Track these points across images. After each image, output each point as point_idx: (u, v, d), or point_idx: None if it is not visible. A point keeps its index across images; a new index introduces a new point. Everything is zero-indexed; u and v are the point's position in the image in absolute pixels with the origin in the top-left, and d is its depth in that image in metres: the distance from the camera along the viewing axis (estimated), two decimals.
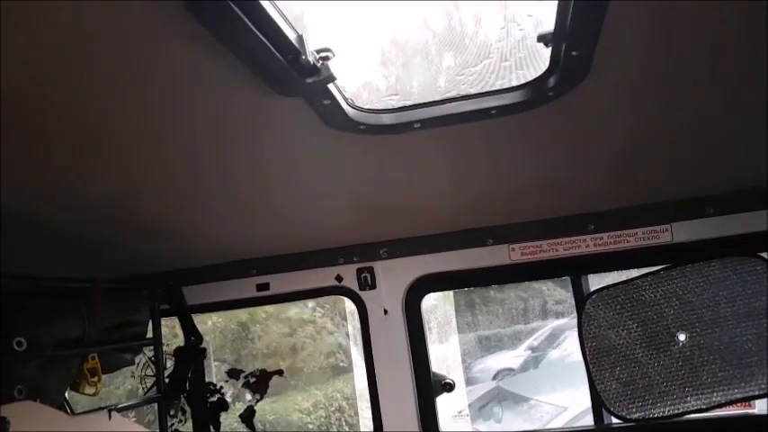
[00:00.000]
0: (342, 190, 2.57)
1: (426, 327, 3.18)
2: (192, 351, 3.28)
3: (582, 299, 2.98)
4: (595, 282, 3.09)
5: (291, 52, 1.60)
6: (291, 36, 1.57)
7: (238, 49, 1.50)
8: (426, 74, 2.03)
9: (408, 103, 2.17)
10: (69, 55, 1.41)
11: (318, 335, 11.24)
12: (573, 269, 3.02)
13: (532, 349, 13.05)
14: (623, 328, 2.89)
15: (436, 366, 3.20)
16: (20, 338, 2.22)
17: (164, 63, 1.53)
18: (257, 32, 1.45)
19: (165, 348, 3.22)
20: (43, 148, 1.81)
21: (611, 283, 2.95)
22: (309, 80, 1.72)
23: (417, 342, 3.13)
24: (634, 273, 2.98)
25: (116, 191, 2.21)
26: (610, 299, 2.91)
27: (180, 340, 3.35)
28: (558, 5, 1.59)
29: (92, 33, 1.36)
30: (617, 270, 3.07)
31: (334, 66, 1.72)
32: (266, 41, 1.49)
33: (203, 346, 3.36)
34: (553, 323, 12.84)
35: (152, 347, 3.14)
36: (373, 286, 3.14)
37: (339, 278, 3.17)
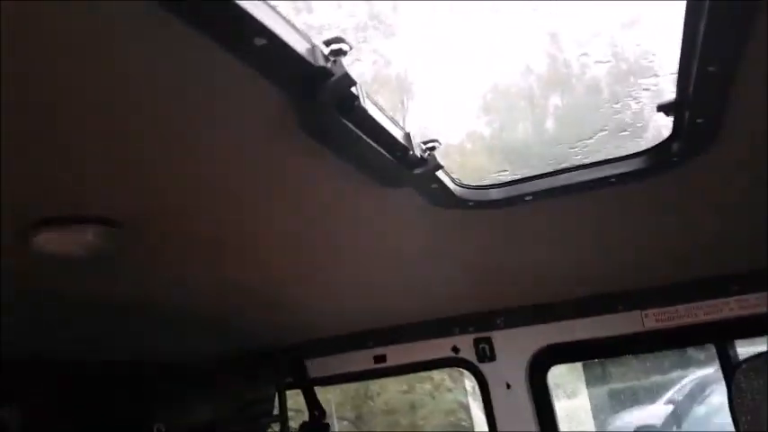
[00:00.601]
0: (453, 262, 2.54)
1: (554, 402, 2.99)
2: (318, 426, 3.32)
3: (731, 369, 2.67)
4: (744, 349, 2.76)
5: (399, 150, 1.63)
6: (399, 135, 1.60)
7: (349, 156, 1.55)
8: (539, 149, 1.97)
9: (518, 176, 2.13)
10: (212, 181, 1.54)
11: (437, 391, 11.01)
12: (716, 335, 2.72)
13: (674, 403, 11.86)
14: None
15: (565, 425, 2.98)
16: (159, 425, 2.36)
17: (280, 175, 1.63)
18: (368, 139, 1.49)
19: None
20: (188, 249, 2.00)
21: (763, 350, 2.61)
22: (417, 171, 1.74)
23: (546, 420, 2.94)
24: None
25: (252, 278, 2.35)
26: (763, 367, 2.57)
27: (301, 415, 3.41)
28: (680, 73, 1.50)
29: (223, 161, 1.48)
30: (767, 335, 2.73)
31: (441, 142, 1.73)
32: (376, 146, 1.53)
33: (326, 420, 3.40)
34: (696, 374, 11.63)
35: (279, 423, 3.23)
36: (492, 358, 3.02)
37: (456, 349, 3.10)
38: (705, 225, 2.27)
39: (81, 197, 1.51)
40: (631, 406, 12.88)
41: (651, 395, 12.73)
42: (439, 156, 1.78)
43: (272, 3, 1.10)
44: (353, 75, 1.29)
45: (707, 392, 10.61)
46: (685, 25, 1.30)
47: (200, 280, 2.28)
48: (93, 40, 0.98)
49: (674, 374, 12.29)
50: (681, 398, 11.84)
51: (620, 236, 2.35)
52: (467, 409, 10.91)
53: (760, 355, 2.59)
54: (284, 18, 1.13)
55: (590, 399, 12.34)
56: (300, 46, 1.18)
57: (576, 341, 2.90)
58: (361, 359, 3.24)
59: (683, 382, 11.84)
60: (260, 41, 1.07)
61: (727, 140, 1.70)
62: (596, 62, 1.49)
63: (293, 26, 1.15)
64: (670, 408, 11.66)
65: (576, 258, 2.53)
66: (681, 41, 1.36)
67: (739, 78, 1.42)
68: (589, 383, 12.21)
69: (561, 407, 11.22)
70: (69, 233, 1.56)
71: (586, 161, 2.00)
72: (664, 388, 12.32)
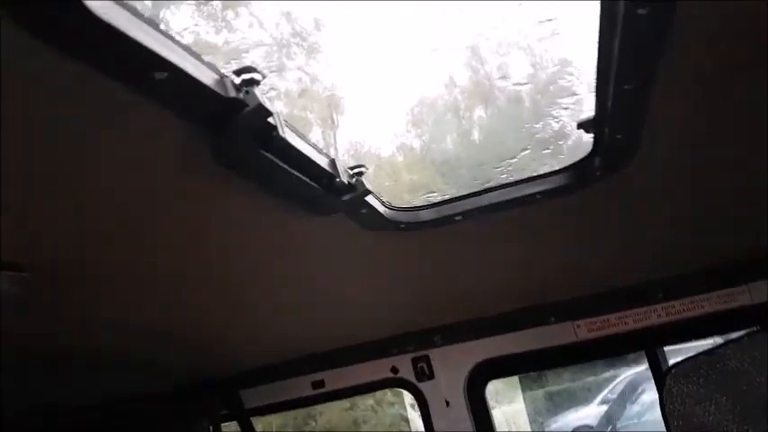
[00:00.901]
0: (387, 284, 2.51)
1: (492, 415, 3.00)
2: None
3: (660, 375, 2.75)
4: (674, 354, 2.86)
5: (326, 177, 1.57)
6: (324, 162, 1.55)
7: (273, 187, 1.48)
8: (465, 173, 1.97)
9: (447, 197, 2.13)
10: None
11: (379, 406, 10.94)
12: (646, 342, 2.81)
13: (607, 403, 12.30)
14: (711, 403, 2.62)
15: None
16: None
17: (200, 211, 1.55)
18: (291, 170, 1.42)
19: None
20: (107, 291, 1.87)
21: (691, 354, 2.71)
22: (346, 197, 1.69)
23: None
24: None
25: (178, 315, 2.22)
26: (692, 372, 2.66)
27: None
28: (598, 91, 1.53)
29: (138, 203, 1.37)
30: (695, 339, 2.84)
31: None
32: (300, 175, 1.47)
33: None
34: (627, 372, 12.12)
35: None
36: (431, 376, 3.00)
37: (395, 370, 3.05)
38: (629, 235, 2.33)
39: None
40: (567, 408, 13.26)
41: (586, 396, 13.16)
42: (367, 180, 1.75)
43: (176, 33, 1.03)
44: (270, 103, 1.23)
45: (639, 390, 11.09)
46: (600, 44, 1.32)
47: (124, 321, 2.13)
48: None
49: (607, 374, 12.77)
50: (614, 396, 12.31)
51: (548, 249, 2.38)
52: (408, 422, 10.89)
53: (688, 359, 2.68)
54: (186, 48, 1.05)
55: (527, 403, 12.60)
56: (207, 77, 1.11)
57: (511, 355, 2.91)
58: (299, 386, 3.14)
59: (616, 381, 12.32)
60: (160, 75, 0.99)
61: (647, 154, 1.75)
62: (515, 84, 1.50)
63: (197, 57, 1.07)
64: (604, 408, 12.09)
65: (508, 273, 2.55)
66: (596, 60, 1.39)
67: (655, 95, 1.46)
68: (525, 388, 12.48)
69: (501, 412, 11.40)
70: None
71: (511, 179, 2.03)
72: (598, 388, 12.77)
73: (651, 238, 2.37)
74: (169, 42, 1.00)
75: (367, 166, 1.74)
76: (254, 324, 2.60)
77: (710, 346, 2.70)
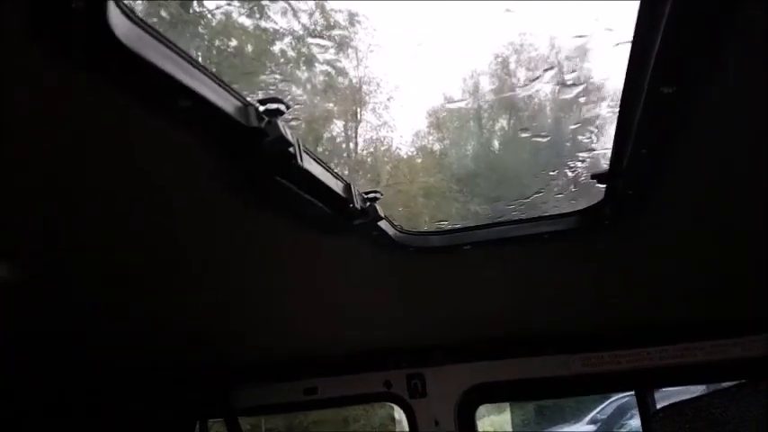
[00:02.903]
0: (391, 301, 2.54)
1: (482, 420, 3.02)
2: None
3: (648, 416, 2.77)
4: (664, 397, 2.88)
5: (340, 203, 1.60)
6: (339, 188, 1.58)
7: (288, 210, 1.52)
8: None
9: (458, 226, 2.16)
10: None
11: (370, 406, 10.99)
12: (637, 383, 2.83)
13: (596, 423, 12.28)
14: None
15: None
16: None
17: (215, 229, 1.59)
18: (306, 196, 1.46)
19: None
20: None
21: (680, 399, 2.73)
22: (357, 222, 1.72)
23: None
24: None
25: (180, 309, 2.28)
26: (678, 417, 2.68)
27: None
28: (615, 150, 1.56)
29: (155, 223, 1.41)
30: (684, 385, 2.85)
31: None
32: (314, 200, 1.50)
33: None
34: (618, 395, 12.07)
35: None
36: (424, 394, 3.02)
37: (388, 384, 3.08)
38: (630, 281, 2.36)
39: None
40: (557, 423, 13.24)
41: (576, 413, 13.14)
42: (380, 206, 1.78)
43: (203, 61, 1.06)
44: (291, 132, 1.26)
45: (628, 415, 11.06)
46: (621, 112, 1.35)
47: (128, 312, 2.19)
48: None
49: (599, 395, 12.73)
50: (604, 417, 12.27)
51: (551, 285, 2.41)
52: (398, 423, 10.95)
53: (675, 404, 2.70)
54: (212, 76, 1.07)
55: (516, 414, 12.59)
56: (230, 105, 1.13)
57: (505, 381, 2.94)
58: (291, 390, 3.17)
59: (606, 402, 12.29)
60: (184, 103, 1.02)
61: (654, 210, 1.80)
62: (535, 137, 1.52)
63: (222, 84, 1.10)
64: (593, 428, 12.08)
65: (510, 303, 2.57)
66: (617, 125, 1.41)
67: (668, 160, 1.50)
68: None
69: (489, 422, 11.42)
70: None
71: (523, 217, 2.06)
72: (588, 408, 12.74)
73: (651, 287, 2.40)
74: (194, 70, 1.02)
75: (381, 192, 1.77)
76: (253, 327, 2.64)
77: (699, 393, 2.73)
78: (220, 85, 1.11)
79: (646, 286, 2.39)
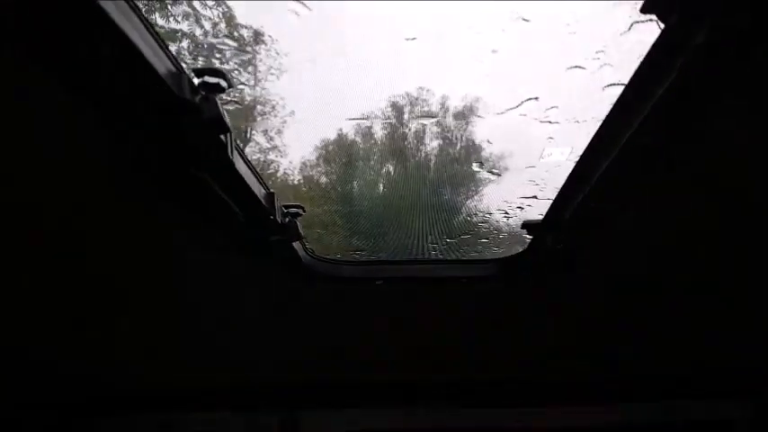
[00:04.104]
0: (287, 329, 2.28)
1: None
2: None
3: None
4: None
5: (260, 211, 1.39)
6: (261, 195, 1.37)
7: (194, 212, 1.28)
8: (397, 233, 1.87)
9: (373, 258, 2.01)
10: None
11: None
12: None
13: None
14: None
15: None
16: None
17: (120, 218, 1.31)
18: (225, 197, 1.24)
19: None
20: None
21: None
22: (274, 238, 1.52)
23: None
24: None
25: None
26: None
27: None
28: (554, 205, 1.52)
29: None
30: None
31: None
32: (234, 205, 1.28)
33: None
34: None
35: None
36: None
37: (255, 425, 2.75)
38: (540, 332, 2.31)
39: None
40: None
41: None
42: (300, 223, 1.59)
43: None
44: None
45: None
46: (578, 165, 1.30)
47: None
48: None
49: None
50: None
51: (459, 328, 2.31)
52: None
53: None
54: (147, 24, 0.84)
55: None
56: (162, 66, 0.90)
57: (387, 430, 2.76)
58: (146, 424, 2.73)
59: None
60: (105, 50, 0.78)
61: (574, 270, 1.79)
62: (483, 176, 1.45)
63: (157, 39, 0.87)
64: None
65: (413, 344, 2.43)
66: (569, 176, 1.36)
67: (601, 227, 1.49)
68: None
69: None
70: None
71: (441, 257, 1.95)
72: None
73: (563, 341, 2.36)
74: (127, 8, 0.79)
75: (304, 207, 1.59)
76: (114, 348, 2.25)
77: None
78: (153, 37, 0.87)
79: (554, 339, 2.35)
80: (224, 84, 0.99)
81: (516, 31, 0.88)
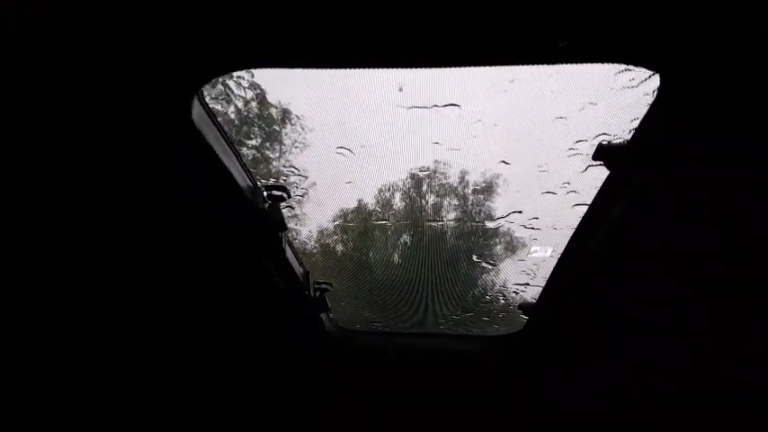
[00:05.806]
0: (300, 402, 2.46)
1: None
2: None
3: None
4: None
5: (296, 287, 1.70)
6: (300, 273, 1.68)
7: (245, 284, 1.60)
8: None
9: (387, 330, 2.25)
10: None
11: None
12: None
13: None
14: None
15: None
16: None
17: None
18: (273, 272, 1.55)
19: None
20: None
21: None
22: (306, 310, 1.81)
23: None
24: None
25: None
26: None
27: None
28: (545, 290, 1.76)
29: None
30: None
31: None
32: (279, 280, 1.60)
33: None
34: None
35: None
36: None
37: None
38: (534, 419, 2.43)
39: None
40: None
41: None
42: (329, 297, 1.87)
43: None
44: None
45: None
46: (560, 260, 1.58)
47: None
48: None
49: None
50: None
51: (460, 405, 2.47)
52: None
53: None
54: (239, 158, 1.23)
55: None
56: (242, 180, 1.26)
57: None
58: None
59: None
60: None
61: (564, 357, 1.96)
62: (482, 265, 1.72)
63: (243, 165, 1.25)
64: None
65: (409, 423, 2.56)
66: (557, 264, 1.62)
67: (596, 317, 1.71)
68: None
69: None
70: None
71: (448, 332, 2.18)
72: None
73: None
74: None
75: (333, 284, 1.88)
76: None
77: None
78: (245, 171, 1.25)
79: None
80: (286, 196, 1.35)
81: (501, 170, 1.24)
